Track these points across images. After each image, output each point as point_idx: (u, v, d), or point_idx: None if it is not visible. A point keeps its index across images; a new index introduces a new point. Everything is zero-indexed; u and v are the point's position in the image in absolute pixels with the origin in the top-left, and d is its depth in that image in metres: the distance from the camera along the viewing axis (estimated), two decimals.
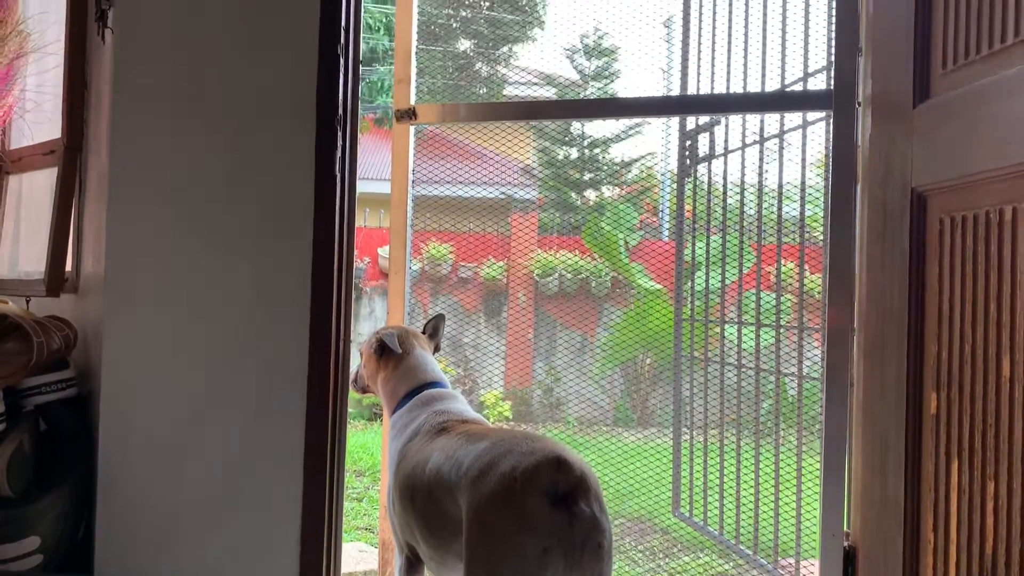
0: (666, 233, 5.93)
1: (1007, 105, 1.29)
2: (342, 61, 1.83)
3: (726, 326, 2.76)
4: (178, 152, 1.81)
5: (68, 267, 2.02)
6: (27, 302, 2.05)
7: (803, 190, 2.28)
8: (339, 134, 1.84)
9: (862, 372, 1.69)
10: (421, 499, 1.64)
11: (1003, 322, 1.30)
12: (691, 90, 2.65)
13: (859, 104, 1.83)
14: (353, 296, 1.98)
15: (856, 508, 1.75)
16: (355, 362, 2.12)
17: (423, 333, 2.14)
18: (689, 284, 2.88)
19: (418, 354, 2.03)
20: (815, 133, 2.25)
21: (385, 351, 2.01)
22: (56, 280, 1.97)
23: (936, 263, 1.46)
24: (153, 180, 1.80)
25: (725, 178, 2.58)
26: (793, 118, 2.30)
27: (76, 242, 2.02)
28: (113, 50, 1.80)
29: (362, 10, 1.93)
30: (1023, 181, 1.27)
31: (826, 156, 1.97)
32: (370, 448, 5.06)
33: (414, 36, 2.33)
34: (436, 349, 2.16)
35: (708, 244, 2.77)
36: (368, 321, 6.43)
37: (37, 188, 2.12)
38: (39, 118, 2.12)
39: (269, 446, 1.82)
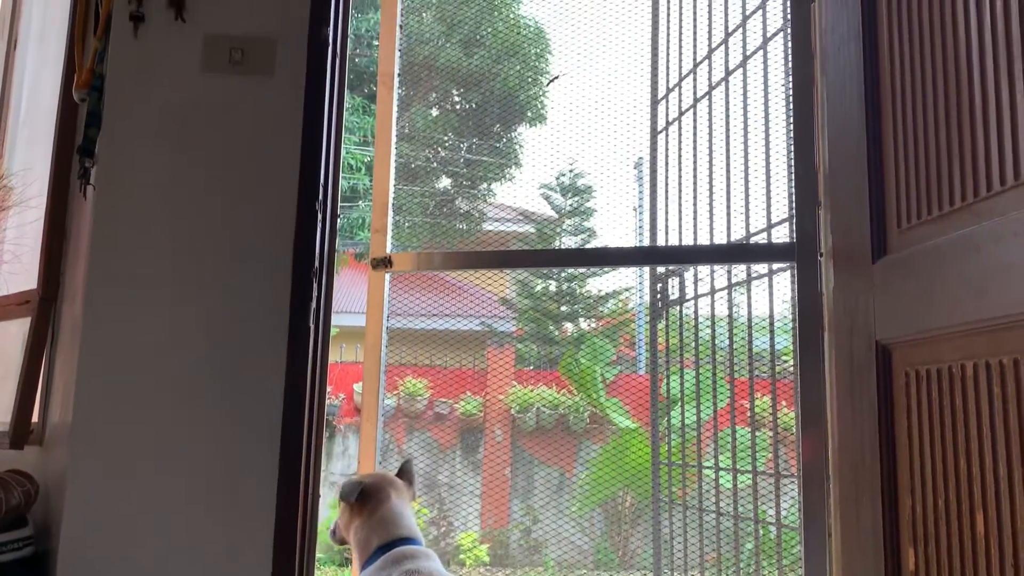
0: (643, 366, 5.95)
1: (957, 265, 1.34)
2: (320, 216, 1.88)
3: (704, 471, 2.73)
4: (154, 304, 1.82)
5: (35, 418, 1.98)
6: None
7: (772, 336, 2.31)
8: (315, 285, 1.87)
9: (838, 522, 1.68)
10: None
11: (974, 477, 1.30)
12: (660, 232, 2.74)
13: (821, 255, 1.89)
14: (326, 435, 1.96)
15: None
16: (324, 509, 2.07)
17: (402, 479, 2.09)
18: (666, 420, 2.87)
19: (393, 504, 1.97)
20: (786, 277, 2.31)
21: (358, 498, 1.96)
22: (21, 433, 1.93)
23: (904, 416, 1.47)
24: (125, 332, 1.80)
25: (696, 318, 2.63)
26: (760, 265, 2.37)
27: (44, 393, 2.00)
28: (94, 206, 1.84)
29: (341, 166, 1.99)
30: (980, 338, 1.30)
31: (793, 305, 2.02)
32: None
33: (391, 189, 2.40)
34: (413, 496, 2.11)
35: (683, 381, 2.78)
36: (341, 460, 6.30)
37: (9, 338, 2.11)
38: (16, 269, 2.14)
39: None
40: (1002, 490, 1.24)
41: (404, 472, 2.11)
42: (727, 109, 2.47)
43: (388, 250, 2.35)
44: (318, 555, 5.52)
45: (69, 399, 1.80)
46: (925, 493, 1.41)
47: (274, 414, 1.79)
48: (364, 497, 1.94)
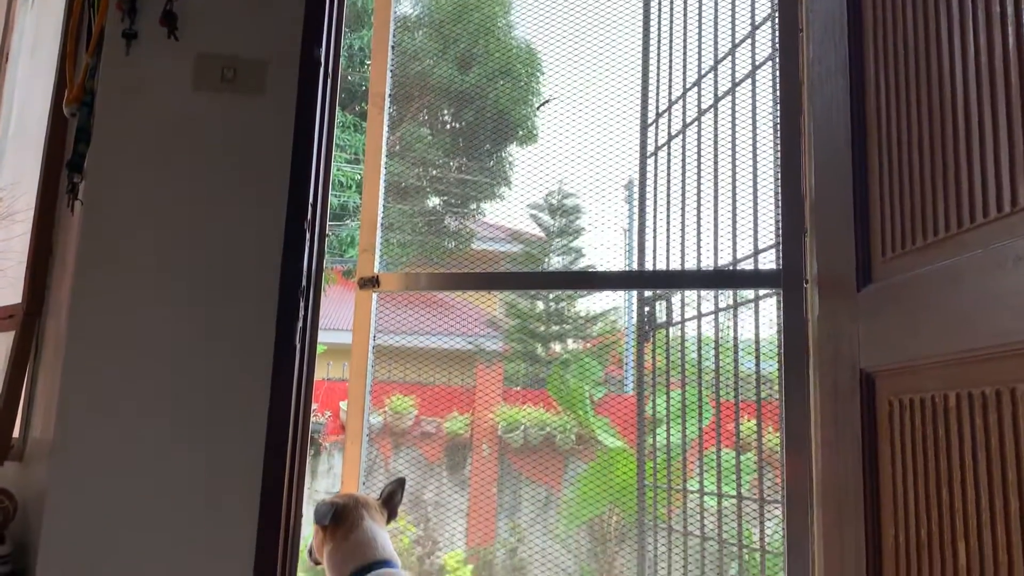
0: (630, 387, 5.94)
1: (941, 295, 1.35)
2: (308, 235, 1.88)
3: (689, 495, 2.73)
4: (138, 322, 1.81)
5: (15, 434, 1.97)
6: None
7: (757, 360, 2.32)
8: (301, 304, 1.86)
9: (822, 550, 1.68)
10: None
11: (956, 508, 1.31)
12: (648, 256, 2.75)
13: (807, 282, 1.90)
14: (311, 453, 1.94)
15: None
16: (307, 527, 2.05)
17: (379, 499, 2.07)
18: (652, 439, 2.87)
19: (367, 527, 1.94)
20: (772, 303, 2.32)
21: (329, 521, 1.95)
22: (2, 448, 1.92)
23: (888, 445, 1.47)
24: (110, 348, 1.79)
25: (683, 340, 2.64)
26: (746, 291, 2.38)
27: (26, 408, 1.98)
28: (81, 221, 1.83)
29: (330, 185, 2.00)
30: (963, 368, 1.31)
31: (778, 331, 2.03)
32: None
33: (380, 208, 2.41)
34: (391, 516, 2.09)
35: (668, 403, 2.78)
36: (327, 478, 6.25)
37: None
38: (1, 283, 2.13)
39: None
40: (984, 521, 1.24)
41: (388, 493, 2.09)
42: (716, 135, 2.48)
43: (376, 269, 2.35)
44: (301, 575, 5.47)
45: (51, 415, 1.79)
46: (908, 522, 1.41)
47: (258, 432, 1.78)
48: (337, 519, 1.93)
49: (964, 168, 1.34)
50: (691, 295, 2.59)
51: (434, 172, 6.93)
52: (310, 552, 2.05)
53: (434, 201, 7.00)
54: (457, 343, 5.77)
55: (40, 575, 1.69)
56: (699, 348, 2.58)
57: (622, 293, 6.65)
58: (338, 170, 7.96)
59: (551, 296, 6.96)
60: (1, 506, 1.78)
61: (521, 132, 7.28)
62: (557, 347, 6.86)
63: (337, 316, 7.52)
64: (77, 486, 1.74)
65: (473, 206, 7.21)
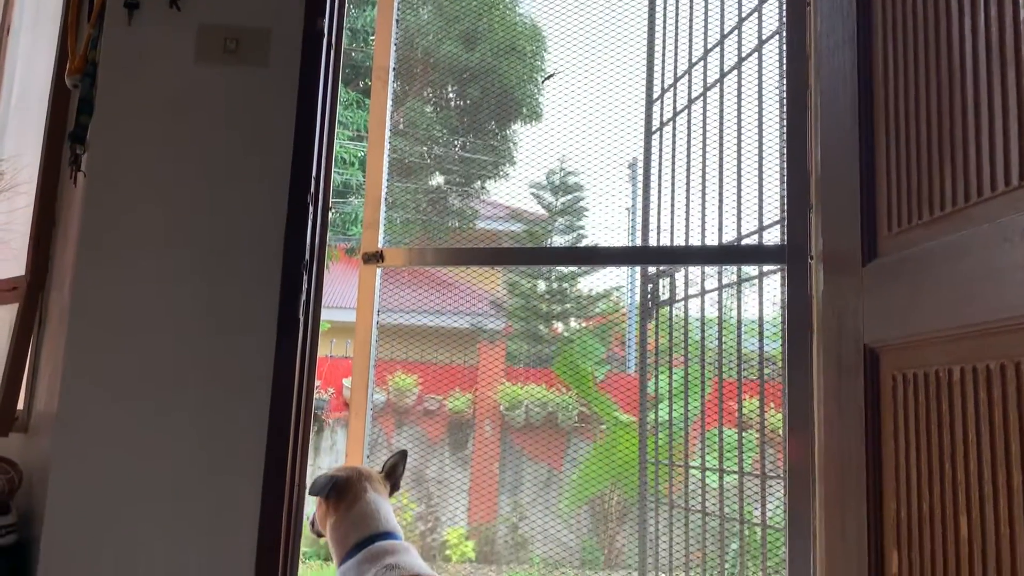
0: (632, 366, 5.95)
1: (946, 270, 1.35)
2: (311, 209, 1.88)
3: (691, 470, 2.74)
4: (141, 295, 1.81)
5: (20, 405, 1.97)
6: None
7: (761, 339, 2.32)
8: (305, 278, 1.86)
9: (823, 524, 1.68)
10: None
11: (958, 481, 1.31)
12: (651, 233, 2.74)
13: (811, 258, 1.90)
14: (314, 429, 1.95)
15: None
16: (309, 501, 2.06)
17: (381, 471, 2.08)
18: (654, 417, 2.87)
19: (370, 499, 1.96)
20: (776, 280, 2.31)
21: (330, 494, 1.95)
22: (6, 419, 1.92)
23: (891, 419, 1.47)
24: (113, 321, 1.80)
25: (686, 318, 2.63)
26: (751, 267, 2.37)
27: (31, 380, 1.99)
28: (84, 193, 1.83)
29: (333, 159, 1.99)
30: (967, 343, 1.31)
31: (782, 307, 2.03)
32: None
33: (384, 184, 2.40)
34: (394, 488, 2.10)
35: (671, 379, 2.78)
36: (329, 455, 6.29)
37: None
38: (5, 255, 2.13)
39: None
40: (986, 494, 1.25)
41: (390, 466, 2.10)
42: (721, 111, 2.47)
43: (380, 245, 2.34)
44: (303, 549, 5.52)
45: (55, 386, 1.79)
46: (910, 496, 1.41)
47: (262, 405, 1.79)
48: (339, 492, 1.93)
49: (972, 142, 1.32)
50: (695, 273, 2.58)
51: (438, 150, 6.91)
52: (312, 523, 2.06)
53: (438, 179, 6.98)
54: (460, 322, 5.77)
55: (45, 544, 1.71)
56: (702, 325, 2.58)
57: (625, 272, 6.64)
58: (341, 147, 7.93)
59: (553, 276, 6.95)
60: (6, 476, 1.79)
61: (525, 110, 7.24)
62: (560, 326, 6.86)
63: (341, 294, 7.53)
64: (80, 458, 1.75)
65: (477, 185, 7.19)
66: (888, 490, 1.47)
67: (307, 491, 1.96)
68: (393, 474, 2.10)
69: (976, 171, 1.32)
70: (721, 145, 2.47)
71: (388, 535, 1.89)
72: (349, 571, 1.83)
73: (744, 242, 2.37)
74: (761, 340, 2.37)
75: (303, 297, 1.84)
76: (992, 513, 1.23)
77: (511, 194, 7.80)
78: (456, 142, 7.03)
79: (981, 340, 1.28)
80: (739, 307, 2.41)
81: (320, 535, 2.07)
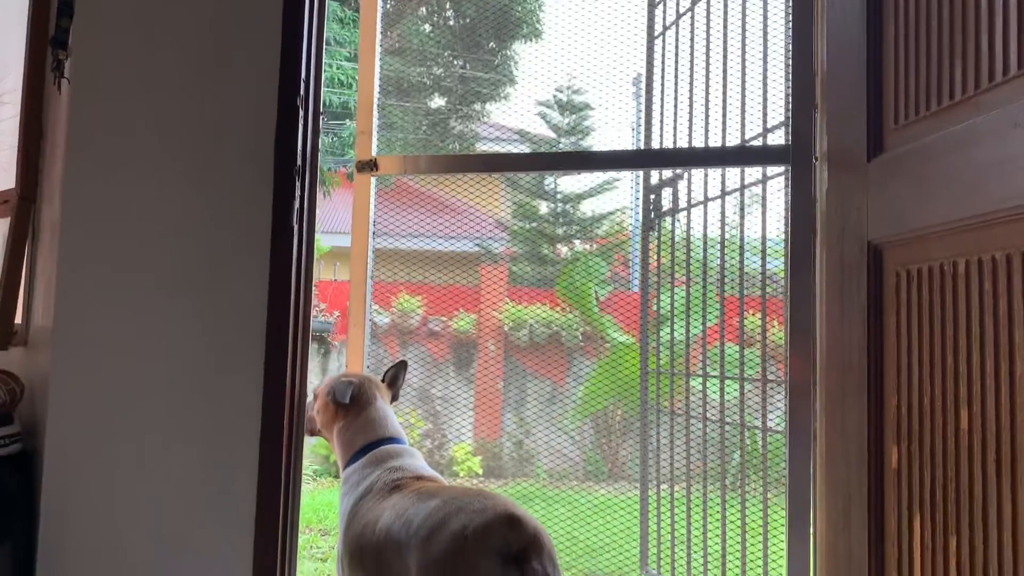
0: (635, 285, 5.94)
1: (953, 160, 1.31)
2: (302, 112, 1.83)
3: (693, 379, 2.74)
4: (132, 203, 1.78)
5: (18, 319, 1.97)
6: None
7: (764, 244, 2.29)
8: (297, 184, 1.83)
9: (823, 424, 1.68)
10: (371, 560, 1.58)
11: (960, 373, 1.30)
12: (655, 144, 2.68)
13: (816, 159, 1.85)
14: (321, 351, 1.94)
15: (821, 565, 1.72)
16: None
17: (383, 381, 2.09)
18: (655, 336, 2.87)
19: (379, 406, 1.99)
20: (779, 186, 2.27)
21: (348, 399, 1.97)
22: (5, 333, 1.92)
23: (893, 316, 1.46)
24: (106, 231, 1.77)
25: (688, 231, 2.60)
26: (754, 172, 2.32)
27: (27, 294, 1.98)
28: (69, 100, 1.78)
29: (323, 62, 1.93)
30: (971, 235, 1.28)
31: (785, 210, 1.99)
32: (335, 507, 4.94)
33: (376, 88, 2.33)
34: (395, 397, 2.12)
35: (672, 297, 2.77)
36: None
37: None
38: None
39: (218, 506, 1.76)
40: (988, 386, 1.24)
41: (391, 376, 2.11)
42: (725, 10, 2.38)
43: (374, 152, 2.29)
44: (314, 467, 5.61)
45: (51, 300, 1.78)
46: (911, 391, 1.40)
47: (258, 313, 1.78)
48: (351, 398, 1.95)
49: (984, 27, 1.28)
50: (698, 180, 2.53)
51: (437, 71, 6.77)
52: (309, 423, 2.06)
53: (438, 102, 6.86)
54: (464, 245, 5.75)
55: (48, 454, 1.72)
56: (704, 235, 2.55)
57: (629, 191, 6.58)
58: (338, 68, 7.77)
59: (559, 197, 6.89)
60: (8, 388, 1.79)
61: (526, 28, 7.06)
62: (563, 249, 6.84)
63: (344, 219, 7.48)
64: (79, 368, 1.75)
65: (477, 106, 7.07)
66: (889, 386, 1.46)
67: (329, 398, 1.97)
68: (394, 384, 2.12)
69: (988, 56, 1.27)
70: (725, 47, 2.39)
71: (393, 440, 1.91)
72: (354, 473, 1.85)
73: (747, 145, 2.31)
74: (764, 245, 2.34)
75: (296, 204, 1.81)
76: (993, 403, 1.22)
77: (514, 115, 7.68)
78: (455, 62, 6.89)
79: (987, 231, 1.25)
80: (742, 212, 2.37)
81: (313, 434, 2.08)
